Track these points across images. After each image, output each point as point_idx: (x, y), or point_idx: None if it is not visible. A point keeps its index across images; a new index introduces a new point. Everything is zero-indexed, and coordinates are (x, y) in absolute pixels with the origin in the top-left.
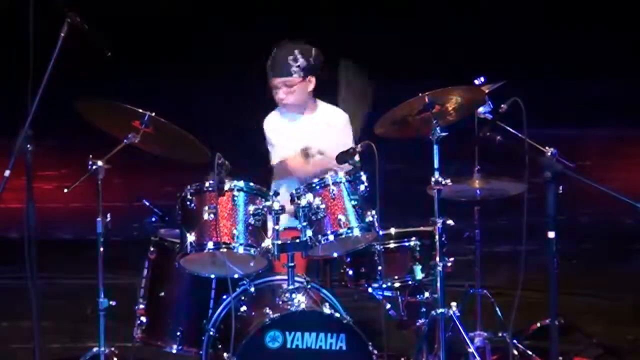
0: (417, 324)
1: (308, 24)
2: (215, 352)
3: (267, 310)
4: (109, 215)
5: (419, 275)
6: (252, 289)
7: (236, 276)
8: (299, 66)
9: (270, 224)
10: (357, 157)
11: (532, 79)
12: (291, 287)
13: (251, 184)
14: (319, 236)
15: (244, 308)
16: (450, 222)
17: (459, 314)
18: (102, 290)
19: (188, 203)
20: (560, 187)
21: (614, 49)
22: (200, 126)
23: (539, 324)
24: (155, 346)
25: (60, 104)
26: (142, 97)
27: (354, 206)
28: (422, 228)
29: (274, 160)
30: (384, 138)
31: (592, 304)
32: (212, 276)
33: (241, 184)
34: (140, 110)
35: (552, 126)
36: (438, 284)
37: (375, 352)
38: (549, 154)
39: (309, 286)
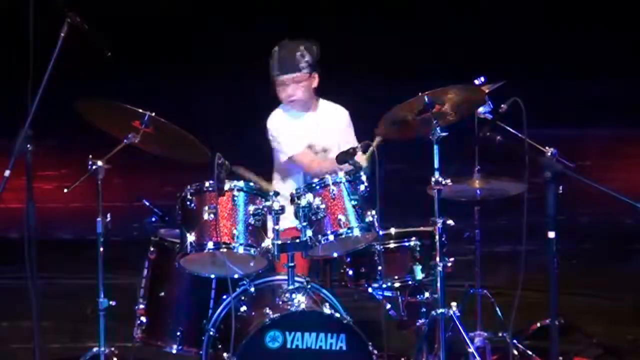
0: (417, 324)
1: (308, 24)
2: (215, 352)
3: (267, 310)
4: (109, 215)
5: (419, 275)
6: (252, 289)
7: (236, 276)
8: (306, 62)
9: (270, 224)
10: (368, 153)
11: (532, 79)
12: (291, 287)
13: (251, 183)
14: (319, 236)
15: (244, 308)
16: (450, 222)
17: (459, 314)
18: (102, 290)
19: (188, 203)
20: (560, 187)
21: (614, 49)
22: (200, 126)
23: (539, 324)
24: (155, 346)
25: (60, 104)
26: (142, 97)
27: (354, 206)
28: (422, 228)
29: (282, 157)
30: (385, 138)
31: (592, 304)
32: (212, 276)
33: (241, 184)
34: (140, 110)
35: (552, 126)
36: (438, 284)
37: (375, 352)
38: (549, 154)
39: (309, 286)
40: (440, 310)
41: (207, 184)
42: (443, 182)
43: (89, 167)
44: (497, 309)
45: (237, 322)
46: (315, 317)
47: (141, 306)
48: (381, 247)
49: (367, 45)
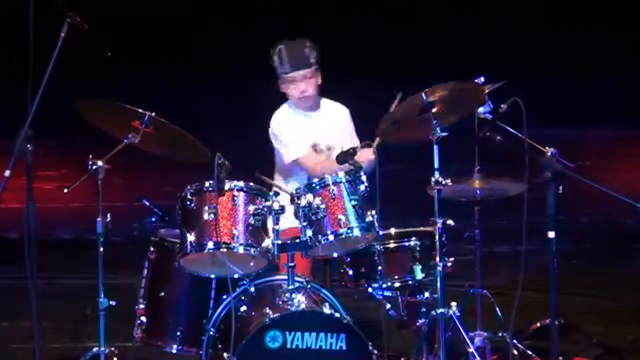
0: (417, 324)
1: (308, 24)
2: (215, 352)
3: (267, 310)
4: (109, 215)
5: (419, 275)
6: (252, 289)
7: (236, 276)
8: (314, 58)
9: (270, 224)
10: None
11: (532, 79)
12: (291, 287)
13: (251, 183)
14: (319, 236)
15: (244, 308)
16: (450, 222)
17: (459, 314)
18: (102, 290)
19: (188, 203)
20: (560, 187)
21: (614, 49)
22: (200, 126)
23: (539, 324)
24: (155, 346)
25: (60, 104)
26: (142, 97)
27: (354, 206)
28: (422, 228)
29: (286, 160)
30: (385, 141)
31: (592, 304)
32: (212, 276)
33: (241, 184)
34: (140, 110)
35: (552, 126)
36: (438, 284)
37: (375, 352)
38: (549, 154)
39: (309, 286)
40: (440, 310)
41: (207, 184)
42: (443, 182)
43: (89, 167)
44: (497, 309)
45: (237, 322)
46: (315, 317)
47: (141, 306)
48: (381, 247)
49: (367, 45)
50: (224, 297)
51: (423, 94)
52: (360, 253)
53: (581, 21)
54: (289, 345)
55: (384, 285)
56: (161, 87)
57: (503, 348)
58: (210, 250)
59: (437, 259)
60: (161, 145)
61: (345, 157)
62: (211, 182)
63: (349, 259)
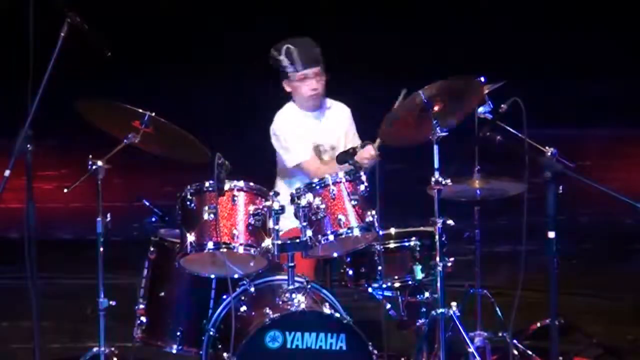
0: (417, 324)
1: (308, 24)
2: (215, 352)
3: (267, 310)
4: (109, 215)
5: (419, 275)
6: (252, 289)
7: (236, 276)
8: (322, 56)
9: (270, 224)
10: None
11: (532, 79)
12: (291, 287)
13: (251, 183)
14: (319, 236)
15: (244, 308)
16: (450, 222)
17: (459, 314)
18: (102, 290)
19: (188, 203)
20: (560, 187)
21: (614, 49)
22: (200, 126)
23: (539, 324)
24: (155, 346)
25: (60, 104)
26: (142, 97)
27: (354, 206)
28: (422, 228)
29: (289, 163)
30: (386, 143)
31: (592, 304)
32: (212, 276)
33: (241, 184)
34: (140, 110)
35: (552, 126)
36: (438, 284)
37: (375, 352)
38: (549, 154)
39: (309, 286)
40: (440, 310)
41: (207, 184)
42: (443, 182)
43: (89, 167)
44: (497, 309)
45: (237, 322)
46: (315, 317)
47: (141, 306)
48: (381, 247)
49: (367, 45)
50: (224, 297)
51: (421, 92)
52: (360, 253)
53: (581, 21)
54: (289, 345)
55: (384, 285)
56: (161, 87)
57: (503, 348)
58: (210, 250)
59: (437, 259)
60: (161, 145)
61: (345, 157)
62: (211, 182)
63: (349, 259)
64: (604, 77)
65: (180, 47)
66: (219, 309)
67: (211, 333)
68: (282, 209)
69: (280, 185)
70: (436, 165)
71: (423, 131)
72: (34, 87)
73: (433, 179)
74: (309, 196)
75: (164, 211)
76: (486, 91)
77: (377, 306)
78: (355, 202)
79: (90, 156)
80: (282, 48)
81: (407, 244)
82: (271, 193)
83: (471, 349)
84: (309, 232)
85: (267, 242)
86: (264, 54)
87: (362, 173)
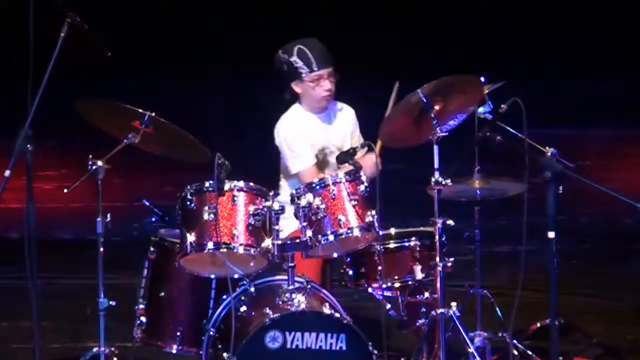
0: (417, 324)
1: (308, 24)
2: (215, 352)
3: (267, 310)
4: (109, 215)
5: (419, 275)
6: (252, 289)
7: (236, 276)
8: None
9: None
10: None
11: (532, 79)
12: (291, 287)
13: (251, 184)
14: (319, 236)
15: (244, 308)
16: (450, 222)
17: (459, 314)
18: (102, 290)
19: (188, 203)
20: (560, 187)
21: (614, 49)
22: (200, 126)
23: (539, 324)
24: (155, 346)
25: (60, 104)
26: (142, 97)
27: (354, 206)
28: (422, 228)
29: (292, 170)
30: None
31: (592, 304)
32: (212, 276)
33: (241, 184)
34: (140, 110)
35: (552, 126)
36: (438, 284)
37: (375, 352)
38: (549, 154)
39: (309, 286)
40: (440, 310)
41: (207, 184)
42: (443, 182)
43: (89, 167)
44: (497, 309)
45: (237, 322)
46: (315, 317)
47: (141, 306)
48: (381, 247)
49: (367, 45)
50: (224, 297)
51: (420, 92)
52: (360, 253)
53: (581, 21)
54: (289, 346)
55: (384, 285)
56: (161, 87)
57: (503, 348)
58: (210, 251)
59: (437, 259)
60: (161, 145)
61: (345, 157)
62: (211, 182)
63: (349, 259)
64: (604, 77)
65: (180, 47)
66: (219, 309)
67: (211, 333)
68: (282, 209)
69: (284, 184)
70: (436, 165)
71: (423, 131)
72: (34, 87)
73: (433, 179)
74: (309, 196)
75: (164, 211)
76: (486, 91)
77: (377, 306)
78: (355, 202)
79: (90, 156)
80: (294, 49)
81: (407, 244)
82: (271, 193)
83: (471, 349)
84: (309, 232)
85: (267, 242)
86: (264, 54)
87: (362, 173)
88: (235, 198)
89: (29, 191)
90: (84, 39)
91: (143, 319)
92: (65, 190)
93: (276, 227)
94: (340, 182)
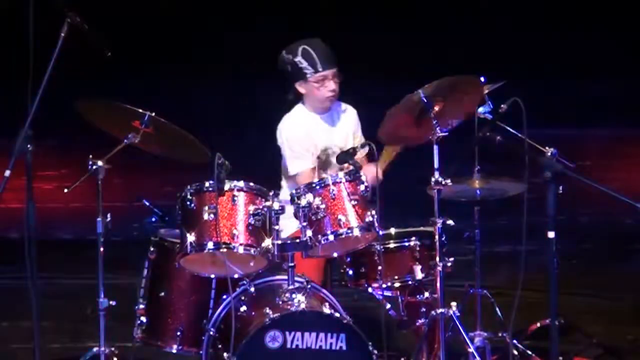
0: (417, 324)
1: (308, 24)
2: (215, 352)
3: (267, 310)
4: (109, 215)
5: (419, 275)
6: (252, 289)
7: (236, 276)
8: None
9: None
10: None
11: (532, 79)
12: (291, 287)
13: (251, 183)
14: (319, 236)
15: (244, 308)
16: (450, 222)
17: (459, 314)
18: (102, 290)
19: (188, 203)
20: (560, 187)
21: (614, 49)
22: (200, 126)
23: (539, 324)
24: (155, 346)
25: (60, 104)
26: (142, 97)
27: (353, 206)
28: (422, 228)
29: (291, 170)
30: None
31: (592, 304)
32: (212, 276)
33: (241, 184)
34: (140, 110)
35: (552, 126)
36: (438, 284)
37: (375, 352)
38: (549, 154)
39: (309, 286)
40: (440, 310)
41: (207, 184)
42: (443, 182)
43: (89, 167)
44: (497, 309)
45: (237, 322)
46: (315, 317)
47: (141, 306)
48: (381, 247)
49: (367, 45)
50: (224, 297)
51: (421, 92)
52: (360, 253)
53: (581, 21)
54: (289, 345)
55: (384, 285)
56: (161, 87)
57: (503, 348)
58: (210, 251)
59: (437, 259)
60: (161, 145)
61: (345, 157)
62: (211, 182)
63: (349, 259)
64: (604, 77)
65: (180, 47)
66: (219, 309)
67: (211, 333)
68: (282, 209)
69: (284, 184)
70: (436, 165)
71: (423, 131)
72: (34, 87)
73: (433, 179)
74: (309, 196)
75: (164, 211)
76: (486, 91)
77: (377, 306)
78: (355, 202)
79: (90, 156)
80: (298, 49)
81: (407, 244)
82: (271, 193)
83: (471, 349)
84: (309, 232)
85: (267, 242)
86: (264, 54)
87: (362, 173)
88: (235, 198)
89: (29, 191)
90: (84, 39)
91: (143, 319)
92: (65, 190)
93: (276, 227)
94: (340, 182)
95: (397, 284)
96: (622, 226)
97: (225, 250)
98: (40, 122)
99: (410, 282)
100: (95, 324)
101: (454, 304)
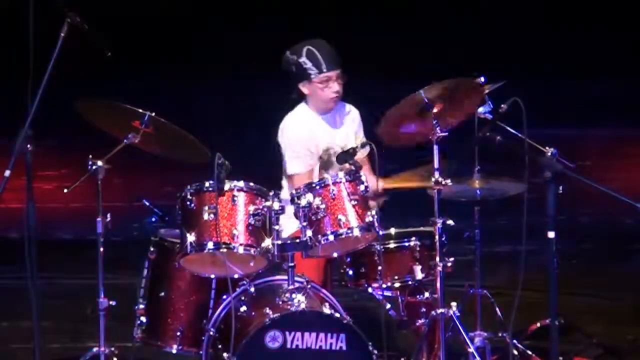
0: (417, 324)
1: (308, 24)
2: (215, 352)
3: (267, 310)
4: (109, 215)
5: (419, 275)
6: (252, 289)
7: (236, 276)
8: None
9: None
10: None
11: (532, 79)
12: (291, 287)
13: (251, 183)
14: (319, 236)
15: (244, 308)
16: (450, 222)
17: (459, 314)
18: (102, 290)
19: (188, 203)
20: (560, 187)
21: (614, 49)
22: (200, 126)
23: (539, 324)
24: (155, 346)
25: (60, 104)
26: (142, 97)
27: (353, 206)
28: (422, 228)
29: (289, 170)
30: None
31: (592, 304)
32: (212, 276)
33: (241, 184)
34: (140, 110)
35: (552, 126)
36: (438, 284)
37: (375, 352)
38: (549, 154)
39: (309, 286)
40: (440, 310)
41: (207, 184)
42: (443, 182)
43: (89, 167)
44: (497, 309)
45: (237, 322)
46: (315, 317)
47: (141, 306)
48: (381, 247)
49: (367, 45)
50: (224, 297)
51: (422, 92)
52: (360, 253)
53: (581, 21)
54: (289, 345)
55: (384, 285)
56: (161, 87)
57: (503, 348)
58: (210, 251)
59: (437, 259)
60: (161, 145)
61: (345, 157)
62: (211, 182)
63: (349, 259)
64: (604, 77)
65: (180, 47)
66: (219, 309)
67: (211, 333)
68: (282, 209)
69: (285, 184)
70: (436, 165)
71: (423, 131)
72: (34, 87)
73: (433, 179)
74: (309, 196)
75: (164, 211)
76: (486, 91)
77: (377, 306)
78: (355, 202)
79: (90, 156)
80: (302, 50)
81: (407, 244)
82: (271, 193)
83: (471, 349)
84: (309, 232)
85: (267, 242)
86: (264, 54)
87: (362, 173)
88: (235, 198)
89: (29, 191)
90: (84, 39)
91: (143, 319)
92: (65, 190)
93: (276, 227)
94: (340, 182)
95: (397, 284)
96: (622, 226)
97: (225, 250)
98: (40, 122)
99: (410, 282)
100: (95, 324)
101: (454, 304)
